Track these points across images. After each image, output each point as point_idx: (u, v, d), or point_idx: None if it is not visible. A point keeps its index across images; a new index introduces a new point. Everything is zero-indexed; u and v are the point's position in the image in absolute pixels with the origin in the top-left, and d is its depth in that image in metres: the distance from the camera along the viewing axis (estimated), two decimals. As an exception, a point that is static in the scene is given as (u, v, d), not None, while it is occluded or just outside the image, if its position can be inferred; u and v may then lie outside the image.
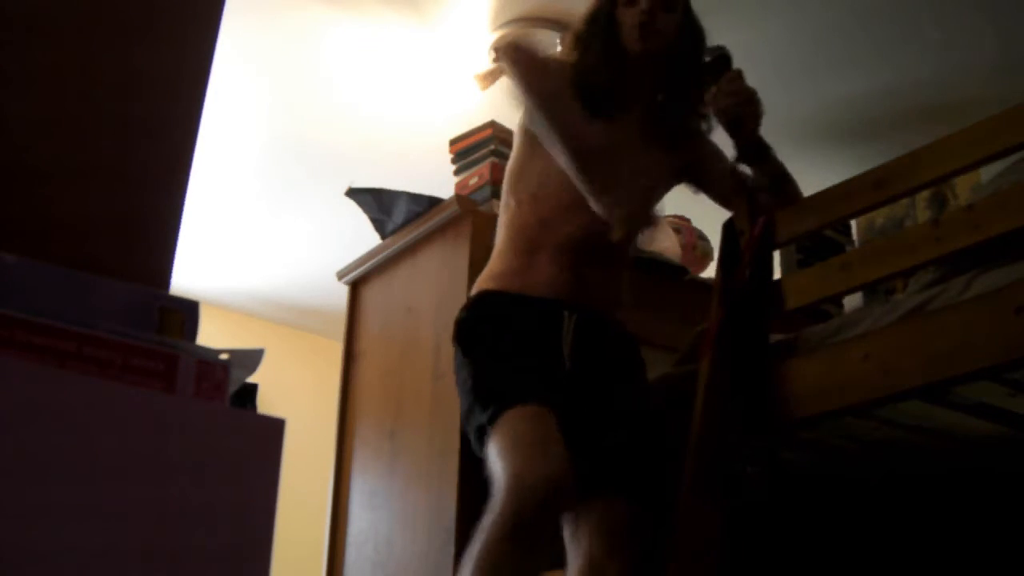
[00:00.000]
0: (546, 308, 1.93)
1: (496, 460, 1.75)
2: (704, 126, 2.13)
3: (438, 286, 2.68)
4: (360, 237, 3.21)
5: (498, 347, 1.91)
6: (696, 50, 2.11)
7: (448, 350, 2.08)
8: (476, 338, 1.95)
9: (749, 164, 2.09)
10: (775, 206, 2.03)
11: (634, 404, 1.96)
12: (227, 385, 0.80)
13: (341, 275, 3.09)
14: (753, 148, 2.07)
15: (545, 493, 1.66)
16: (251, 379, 0.88)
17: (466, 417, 1.89)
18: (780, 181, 2.08)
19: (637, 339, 2.08)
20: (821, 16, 3.21)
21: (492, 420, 1.78)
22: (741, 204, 2.06)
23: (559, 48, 3.33)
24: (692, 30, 2.11)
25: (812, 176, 2.89)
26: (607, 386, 1.94)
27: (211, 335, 0.88)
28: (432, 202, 2.81)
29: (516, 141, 2.13)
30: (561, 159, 1.92)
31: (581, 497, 1.81)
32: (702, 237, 3.13)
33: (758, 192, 2.08)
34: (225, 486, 0.74)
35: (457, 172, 2.97)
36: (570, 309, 1.94)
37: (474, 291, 2.03)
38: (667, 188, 2.22)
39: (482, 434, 1.81)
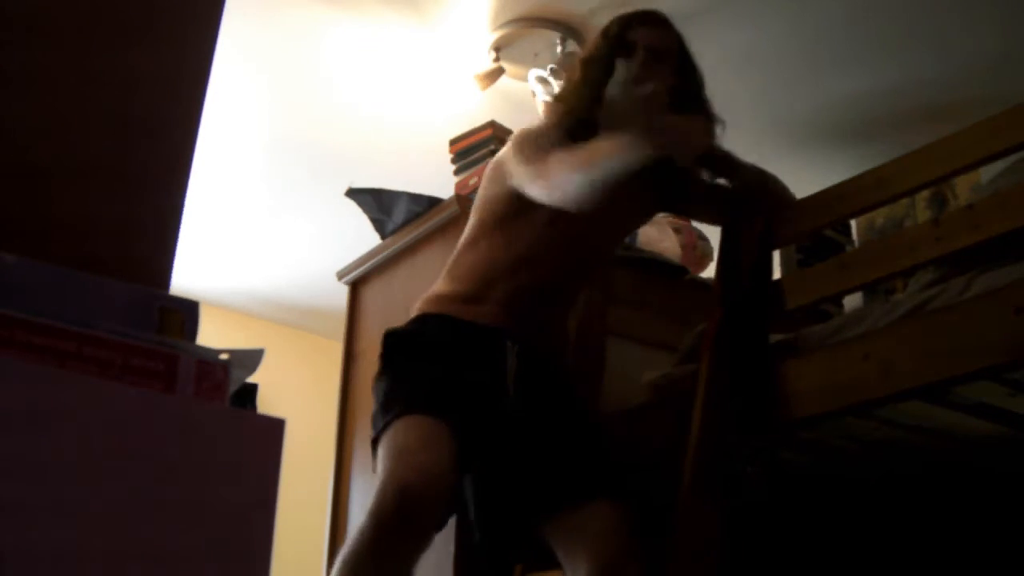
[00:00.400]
0: (490, 334, 1.92)
1: (378, 471, 1.74)
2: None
3: (438, 286, 2.67)
4: (360, 237, 3.21)
5: (418, 361, 1.88)
6: (693, 93, 2.10)
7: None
8: (404, 351, 1.92)
9: (725, 179, 2.11)
10: (770, 205, 2.03)
11: (578, 418, 1.96)
12: (227, 385, 0.80)
13: (341, 275, 3.09)
14: (720, 163, 2.08)
15: (401, 499, 1.62)
16: (251, 379, 0.88)
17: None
18: (762, 181, 2.09)
19: (632, 340, 2.07)
20: (822, 15, 3.21)
21: (384, 429, 1.78)
22: (740, 206, 2.07)
23: (558, 49, 3.34)
24: (688, 72, 2.10)
25: (812, 176, 2.90)
26: (549, 408, 1.92)
27: (211, 335, 0.88)
28: (432, 202, 2.81)
29: None
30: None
31: (562, 509, 1.80)
32: (702, 237, 3.12)
33: (749, 194, 2.09)
34: (225, 486, 0.74)
35: (457, 172, 2.97)
36: (513, 340, 1.92)
37: (414, 312, 2.00)
38: (647, 217, 2.25)
39: (375, 447, 1.80)
